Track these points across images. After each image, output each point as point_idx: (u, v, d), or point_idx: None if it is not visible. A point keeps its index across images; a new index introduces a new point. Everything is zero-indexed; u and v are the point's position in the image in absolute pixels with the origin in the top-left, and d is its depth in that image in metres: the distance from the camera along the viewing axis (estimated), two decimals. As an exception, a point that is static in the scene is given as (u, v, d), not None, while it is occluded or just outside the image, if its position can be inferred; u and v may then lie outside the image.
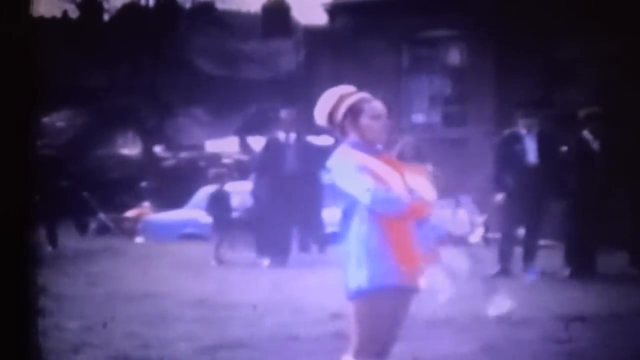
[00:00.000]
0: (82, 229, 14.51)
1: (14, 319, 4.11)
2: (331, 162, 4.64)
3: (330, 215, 13.66)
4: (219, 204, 13.29)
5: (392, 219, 4.49)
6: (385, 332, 4.59)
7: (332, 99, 4.70)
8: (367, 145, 4.65)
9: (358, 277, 4.49)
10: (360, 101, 4.68)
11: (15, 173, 4.02)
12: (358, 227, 4.53)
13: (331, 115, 4.69)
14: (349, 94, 4.71)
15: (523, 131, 11.00)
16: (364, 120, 4.64)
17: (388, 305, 4.52)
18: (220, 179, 13.69)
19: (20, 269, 4.17)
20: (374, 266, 4.46)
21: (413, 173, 4.68)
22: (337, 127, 4.70)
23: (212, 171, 14.46)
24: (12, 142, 4.00)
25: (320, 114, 4.73)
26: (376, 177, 4.53)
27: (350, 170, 4.53)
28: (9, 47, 3.95)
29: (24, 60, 4.01)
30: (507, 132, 11.23)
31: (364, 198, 4.47)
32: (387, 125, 4.69)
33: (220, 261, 12.61)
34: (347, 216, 4.60)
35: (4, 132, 3.97)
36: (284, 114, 12.52)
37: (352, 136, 4.66)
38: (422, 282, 4.56)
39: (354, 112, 4.65)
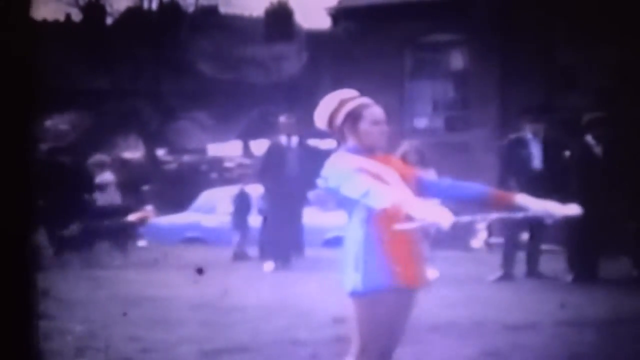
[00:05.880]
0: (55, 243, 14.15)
1: (15, 323, 4.11)
2: (325, 170, 4.58)
3: (334, 219, 13.72)
4: (241, 204, 14.64)
5: (389, 221, 4.45)
6: (386, 335, 4.57)
7: (332, 104, 4.67)
8: (365, 151, 4.60)
9: (353, 279, 4.48)
10: (360, 107, 4.64)
11: (16, 176, 4.01)
12: (354, 230, 4.51)
13: (331, 120, 4.67)
14: (350, 99, 4.67)
15: (529, 136, 11.00)
16: (363, 126, 4.60)
17: (386, 307, 4.50)
18: (242, 179, 15.32)
19: (23, 272, 4.16)
20: (368, 268, 4.44)
21: (413, 171, 4.66)
22: (336, 132, 4.68)
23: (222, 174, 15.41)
24: (13, 145, 3.99)
25: (320, 118, 4.70)
26: (373, 176, 4.50)
27: (346, 172, 4.46)
28: (9, 51, 3.94)
29: (25, 64, 4.01)
30: (512, 136, 11.22)
31: (361, 196, 4.37)
32: (387, 131, 4.65)
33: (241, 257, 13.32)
34: (348, 219, 4.58)
35: (5, 134, 3.96)
36: (285, 118, 12.50)
37: (351, 141, 4.63)
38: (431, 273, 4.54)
39: (353, 117, 4.61)
